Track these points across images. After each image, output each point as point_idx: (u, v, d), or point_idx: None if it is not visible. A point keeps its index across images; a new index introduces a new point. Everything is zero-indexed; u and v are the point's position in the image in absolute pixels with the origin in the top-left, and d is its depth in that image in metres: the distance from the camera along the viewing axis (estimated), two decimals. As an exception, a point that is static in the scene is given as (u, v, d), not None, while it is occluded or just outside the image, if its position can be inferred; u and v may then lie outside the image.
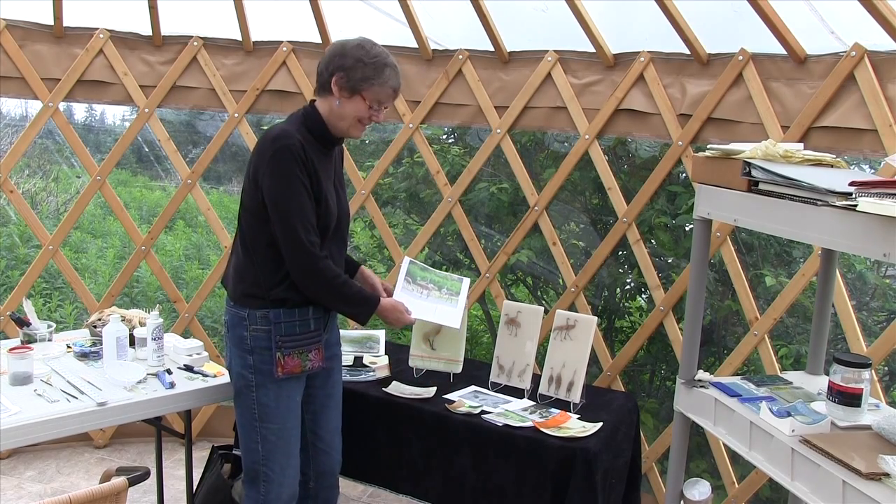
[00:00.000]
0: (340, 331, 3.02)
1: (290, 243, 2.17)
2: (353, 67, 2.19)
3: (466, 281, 2.71)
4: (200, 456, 3.12)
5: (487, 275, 3.56)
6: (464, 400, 2.66)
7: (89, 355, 2.73)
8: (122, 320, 2.76)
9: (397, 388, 2.73)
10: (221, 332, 2.38)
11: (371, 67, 2.20)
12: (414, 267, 2.62)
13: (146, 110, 3.69)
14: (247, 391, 2.27)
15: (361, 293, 2.32)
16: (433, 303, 2.57)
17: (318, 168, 2.20)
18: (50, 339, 2.88)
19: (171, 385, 2.53)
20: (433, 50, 3.50)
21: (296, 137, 2.17)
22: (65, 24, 3.59)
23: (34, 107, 3.82)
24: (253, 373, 2.25)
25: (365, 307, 2.31)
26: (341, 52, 2.21)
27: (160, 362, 2.68)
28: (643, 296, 4.50)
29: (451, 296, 2.63)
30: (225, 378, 2.58)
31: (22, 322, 2.88)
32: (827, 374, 2.15)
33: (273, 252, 2.21)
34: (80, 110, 9.82)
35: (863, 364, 1.96)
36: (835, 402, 1.97)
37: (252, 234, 2.24)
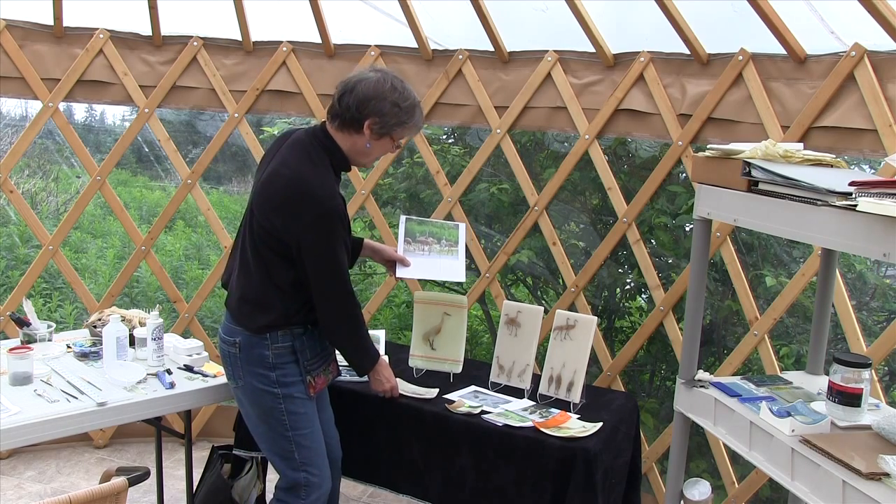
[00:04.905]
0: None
1: (336, 300, 2.23)
2: (390, 113, 2.19)
3: (463, 226, 2.80)
4: (200, 456, 3.12)
5: (487, 275, 3.57)
6: (464, 400, 2.65)
7: (89, 355, 2.73)
8: (122, 320, 2.76)
9: (399, 387, 2.73)
10: (223, 350, 2.37)
11: (405, 112, 2.22)
12: (411, 223, 2.71)
13: (146, 110, 3.69)
14: (274, 405, 2.28)
15: (372, 349, 2.43)
16: (435, 258, 2.67)
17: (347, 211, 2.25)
18: (50, 339, 2.88)
19: (171, 385, 2.53)
20: (433, 50, 3.50)
21: (339, 195, 2.20)
22: (65, 24, 3.59)
23: (34, 107, 3.82)
24: (278, 387, 2.27)
25: (370, 362, 2.44)
26: (376, 96, 2.17)
27: (160, 362, 2.68)
28: (643, 296, 4.50)
29: (450, 247, 2.71)
30: (224, 378, 2.57)
31: (22, 322, 2.88)
32: (827, 374, 2.16)
33: (298, 286, 2.24)
34: (80, 110, 9.84)
35: (863, 364, 1.96)
36: (835, 401, 1.97)
37: (278, 272, 2.22)
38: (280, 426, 2.29)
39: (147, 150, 8.56)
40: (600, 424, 2.48)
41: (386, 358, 2.58)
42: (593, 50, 3.20)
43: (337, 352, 2.48)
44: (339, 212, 2.17)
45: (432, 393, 2.69)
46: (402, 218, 2.70)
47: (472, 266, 3.56)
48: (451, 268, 2.68)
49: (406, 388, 2.72)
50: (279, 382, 2.26)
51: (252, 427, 2.39)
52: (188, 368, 2.69)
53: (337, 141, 2.24)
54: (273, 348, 2.25)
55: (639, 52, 3.13)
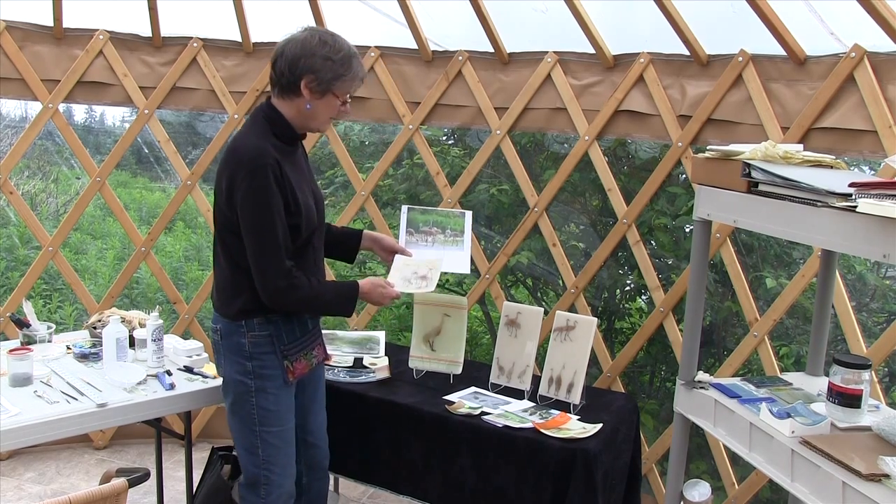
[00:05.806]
0: (340, 332, 3.05)
1: (262, 272, 2.13)
2: (323, 68, 2.13)
3: (469, 214, 2.70)
4: (200, 457, 3.12)
5: (487, 276, 3.56)
6: (464, 401, 2.65)
7: (89, 356, 2.73)
8: (122, 321, 2.76)
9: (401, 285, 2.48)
10: (212, 339, 2.35)
11: (340, 64, 2.15)
12: (414, 213, 2.62)
13: (146, 111, 3.69)
14: (246, 397, 2.25)
15: (337, 289, 2.31)
16: (439, 249, 2.58)
17: (292, 178, 2.16)
18: (50, 341, 2.88)
19: (171, 386, 2.53)
20: (433, 51, 3.50)
21: (271, 155, 2.10)
22: (64, 25, 3.59)
23: (34, 108, 3.82)
24: (252, 378, 2.24)
25: (346, 301, 2.29)
26: (305, 53, 2.13)
27: (160, 363, 2.67)
28: (643, 297, 4.50)
29: (455, 237, 2.62)
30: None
31: (22, 323, 2.88)
32: (827, 375, 2.16)
33: None
34: (79, 111, 9.82)
35: (862, 365, 1.96)
36: (834, 403, 1.97)
37: (239, 253, 2.17)
38: (249, 419, 2.26)
39: (147, 151, 8.55)
40: (600, 425, 2.48)
41: (369, 279, 2.32)
42: (593, 51, 3.20)
43: (325, 341, 2.43)
44: (273, 173, 2.08)
45: (433, 281, 2.46)
46: (404, 208, 2.60)
47: (472, 267, 3.57)
48: (456, 259, 2.58)
49: (407, 267, 2.50)
50: (255, 374, 2.23)
51: (228, 418, 2.35)
52: (188, 369, 2.68)
53: (281, 110, 2.20)
54: (250, 336, 2.22)
55: (638, 54, 3.13)
